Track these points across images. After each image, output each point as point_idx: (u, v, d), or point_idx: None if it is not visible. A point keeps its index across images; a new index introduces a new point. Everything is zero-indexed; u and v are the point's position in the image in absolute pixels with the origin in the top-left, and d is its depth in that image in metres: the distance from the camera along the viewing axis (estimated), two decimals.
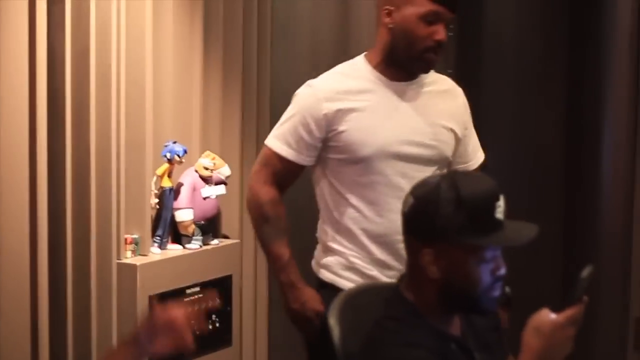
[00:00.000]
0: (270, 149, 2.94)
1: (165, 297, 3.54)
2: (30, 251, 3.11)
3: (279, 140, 2.92)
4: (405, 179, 2.84)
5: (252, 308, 4.19)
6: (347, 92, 2.89)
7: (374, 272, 2.93)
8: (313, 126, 2.88)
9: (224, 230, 4.01)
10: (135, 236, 3.50)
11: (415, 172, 2.83)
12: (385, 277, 2.90)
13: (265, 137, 2.96)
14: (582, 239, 4.36)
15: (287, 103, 2.94)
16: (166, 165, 3.63)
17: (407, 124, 2.91)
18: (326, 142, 2.90)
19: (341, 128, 2.87)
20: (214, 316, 3.81)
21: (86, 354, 3.33)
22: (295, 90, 2.93)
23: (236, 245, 3.98)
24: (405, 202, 2.30)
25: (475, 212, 2.21)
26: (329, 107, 2.86)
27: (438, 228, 2.22)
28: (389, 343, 2.35)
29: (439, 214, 2.22)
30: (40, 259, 3.14)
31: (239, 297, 4.00)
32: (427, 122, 2.93)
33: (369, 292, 2.69)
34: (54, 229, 3.20)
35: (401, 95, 2.92)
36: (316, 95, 2.89)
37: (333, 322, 2.54)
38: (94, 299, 3.34)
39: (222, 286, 3.86)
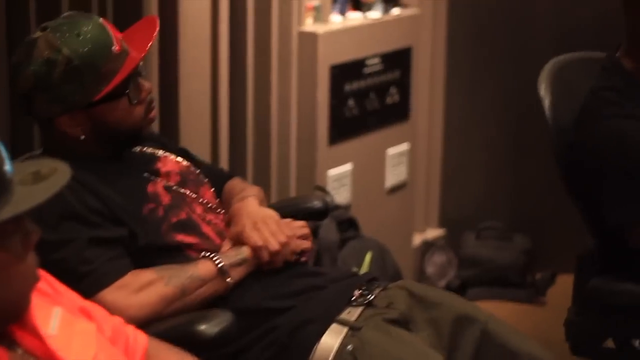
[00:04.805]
0: None
1: (346, 68, 3.43)
2: (211, 21, 3.02)
3: None
4: None
5: (429, 81, 4.06)
6: None
7: None
8: None
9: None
10: (316, 4, 3.35)
11: None
12: None
13: None
14: None
15: None
16: None
17: None
18: None
19: None
20: (392, 89, 3.69)
21: (265, 121, 3.26)
22: None
23: (416, 15, 3.81)
24: None
25: None
26: None
27: None
28: (607, 114, 2.25)
29: None
30: (221, 29, 3.04)
31: (417, 70, 3.86)
32: None
33: (579, 61, 2.57)
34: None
35: None
36: None
37: (543, 92, 2.43)
38: (275, 69, 3.25)
39: (401, 58, 3.72)
